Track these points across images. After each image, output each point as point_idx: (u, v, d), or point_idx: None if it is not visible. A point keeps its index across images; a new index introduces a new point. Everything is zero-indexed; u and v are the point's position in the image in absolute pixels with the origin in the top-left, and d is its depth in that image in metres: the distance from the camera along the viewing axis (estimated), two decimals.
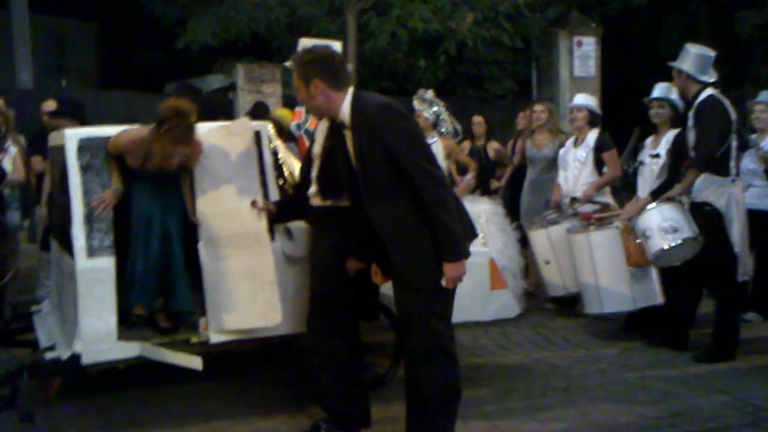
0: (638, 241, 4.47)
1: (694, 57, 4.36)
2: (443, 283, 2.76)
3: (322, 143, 3.21)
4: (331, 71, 2.83)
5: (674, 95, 4.79)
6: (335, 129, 2.97)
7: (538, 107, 6.10)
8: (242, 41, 9.57)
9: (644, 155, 4.94)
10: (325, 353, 3.19)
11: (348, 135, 2.86)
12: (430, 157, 2.79)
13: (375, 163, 2.77)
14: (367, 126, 2.76)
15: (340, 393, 3.20)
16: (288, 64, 3.53)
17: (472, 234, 2.92)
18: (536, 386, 3.89)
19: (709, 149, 4.23)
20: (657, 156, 4.78)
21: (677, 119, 4.82)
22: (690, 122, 4.39)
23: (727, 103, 4.33)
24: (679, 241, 4.26)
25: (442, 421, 2.88)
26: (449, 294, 2.84)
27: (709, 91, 4.33)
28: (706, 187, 4.30)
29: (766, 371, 4.09)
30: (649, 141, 4.97)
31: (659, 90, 4.84)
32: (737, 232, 4.31)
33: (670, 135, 4.75)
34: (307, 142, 4.90)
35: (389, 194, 2.79)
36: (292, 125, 5.21)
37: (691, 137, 4.38)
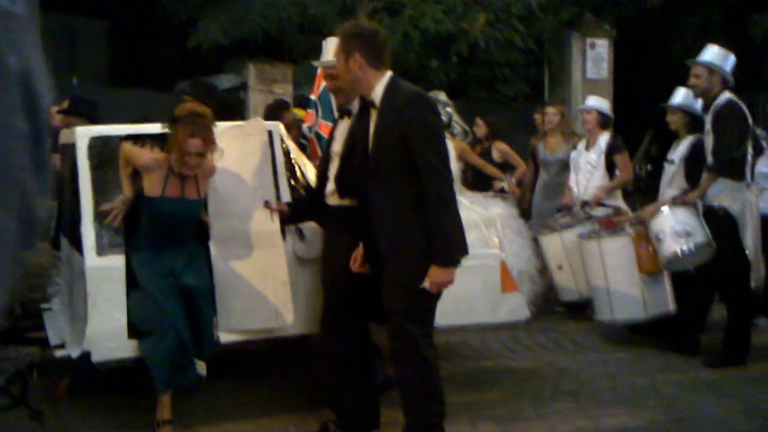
0: (650, 248, 4.45)
1: (727, 57, 4.31)
2: (427, 285, 2.71)
3: (342, 142, 3.21)
4: (373, 48, 2.83)
5: (691, 102, 4.75)
6: (364, 108, 2.97)
7: (550, 110, 6.09)
8: (254, 40, 9.59)
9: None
10: (337, 353, 3.21)
11: (374, 116, 2.86)
12: (444, 158, 2.78)
13: (390, 149, 2.77)
14: (394, 110, 2.76)
15: (350, 394, 3.22)
16: (318, 63, 3.55)
17: (464, 250, 2.85)
18: (546, 390, 3.90)
19: (728, 153, 4.19)
20: (671, 162, 4.77)
21: (697, 125, 4.77)
22: (707, 126, 4.35)
23: (744, 107, 4.30)
24: (692, 246, 4.24)
25: (423, 419, 2.86)
26: (432, 298, 2.80)
27: (728, 95, 4.29)
28: (721, 192, 4.28)
29: None
30: (673, 147, 4.94)
31: (674, 97, 4.82)
32: (751, 237, 4.29)
33: (687, 141, 4.73)
34: (317, 145, 4.91)
35: (395, 185, 2.78)
36: (304, 127, 5.21)
37: (709, 141, 4.34)
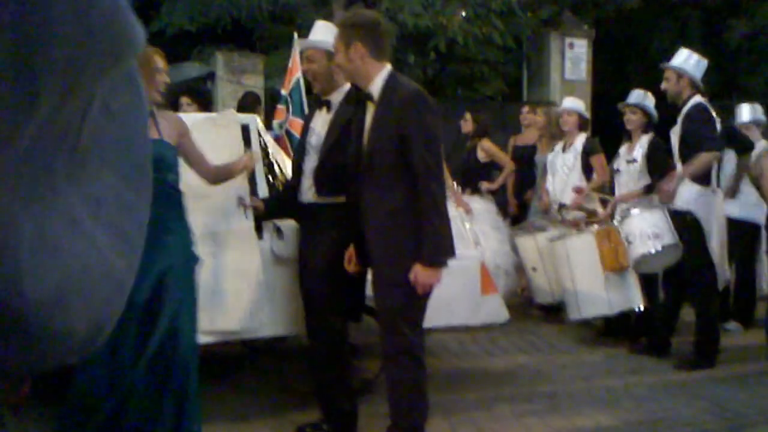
0: (612, 245, 4.66)
1: (696, 62, 4.53)
2: (411, 283, 2.77)
3: (324, 135, 3.23)
4: (373, 38, 2.86)
5: (648, 102, 5.02)
6: (360, 100, 3.00)
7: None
8: (222, 27, 9.53)
9: (620, 162, 5.14)
10: (322, 354, 3.27)
11: (371, 109, 2.89)
12: (439, 159, 2.84)
13: (385, 145, 2.80)
14: (393, 107, 2.79)
15: (332, 394, 3.29)
16: (300, 43, 3.51)
17: (451, 251, 2.92)
18: (522, 391, 4.06)
19: (713, 137, 4.40)
20: (634, 161, 5.00)
21: (650, 126, 5.04)
22: (678, 128, 4.56)
23: (712, 111, 4.54)
24: (660, 248, 4.48)
25: (410, 419, 2.93)
26: (423, 298, 2.86)
27: (698, 98, 4.51)
28: (688, 195, 4.50)
29: (746, 379, 4.33)
30: (623, 148, 5.18)
31: (633, 96, 5.07)
32: (716, 242, 4.52)
33: (644, 140, 4.98)
34: (288, 143, 4.95)
35: (387, 181, 2.82)
36: (275, 123, 5.25)
37: (675, 140, 4.56)
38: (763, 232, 5.10)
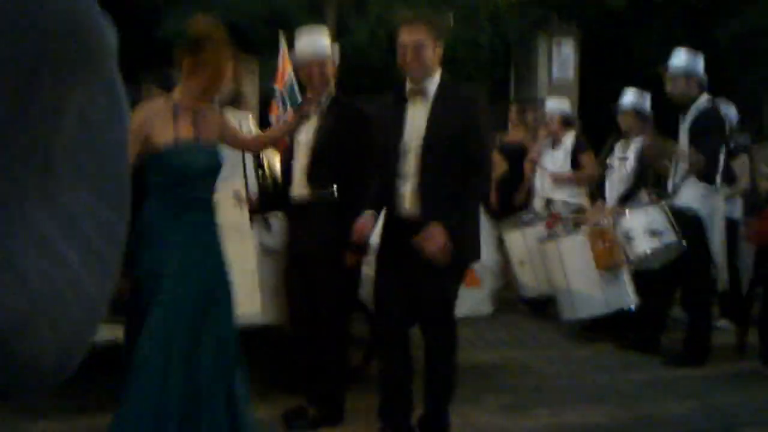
0: (606, 245, 4.55)
1: (700, 60, 4.38)
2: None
3: (313, 132, 3.24)
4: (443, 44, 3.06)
5: (643, 101, 4.93)
6: (402, 96, 3.01)
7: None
8: None
9: (613, 160, 5.06)
10: (313, 343, 3.29)
11: (418, 104, 2.95)
12: (490, 148, 3.08)
13: (444, 137, 2.89)
14: (456, 100, 2.94)
15: (322, 378, 3.31)
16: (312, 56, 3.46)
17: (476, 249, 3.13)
18: (508, 385, 3.95)
19: (716, 154, 4.28)
20: (626, 159, 4.92)
21: (646, 125, 4.95)
22: (685, 128, 4.41)
23: (722, 113, 4.43)
24: (662, 245, 4.36)
25: (447, 404, 3.05)
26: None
27: (706, 100, 4.37)
28: (692, 193, 4.37)
29: (735, 378, 4.19)
30: (618, 145, 5.10)
31: (625, 98, 4.98)
32: (717, 240, 4.40)
33: (638, 140, 4.90)
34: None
35: (447, 167, 2.88)
36: (272, 118, 5.20)
37: (684, 142, 4.40)
38: (742, 228, 5.00)
